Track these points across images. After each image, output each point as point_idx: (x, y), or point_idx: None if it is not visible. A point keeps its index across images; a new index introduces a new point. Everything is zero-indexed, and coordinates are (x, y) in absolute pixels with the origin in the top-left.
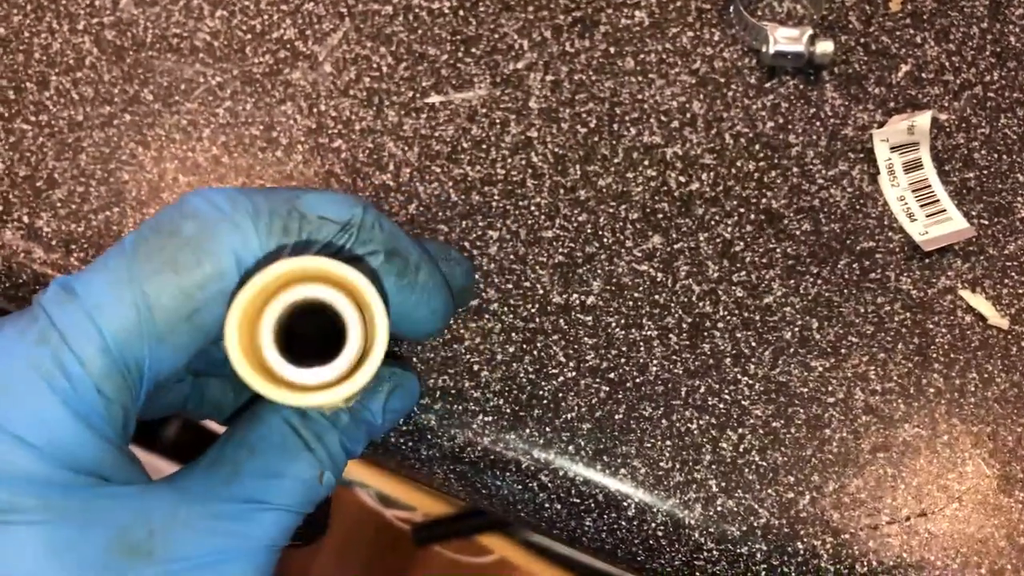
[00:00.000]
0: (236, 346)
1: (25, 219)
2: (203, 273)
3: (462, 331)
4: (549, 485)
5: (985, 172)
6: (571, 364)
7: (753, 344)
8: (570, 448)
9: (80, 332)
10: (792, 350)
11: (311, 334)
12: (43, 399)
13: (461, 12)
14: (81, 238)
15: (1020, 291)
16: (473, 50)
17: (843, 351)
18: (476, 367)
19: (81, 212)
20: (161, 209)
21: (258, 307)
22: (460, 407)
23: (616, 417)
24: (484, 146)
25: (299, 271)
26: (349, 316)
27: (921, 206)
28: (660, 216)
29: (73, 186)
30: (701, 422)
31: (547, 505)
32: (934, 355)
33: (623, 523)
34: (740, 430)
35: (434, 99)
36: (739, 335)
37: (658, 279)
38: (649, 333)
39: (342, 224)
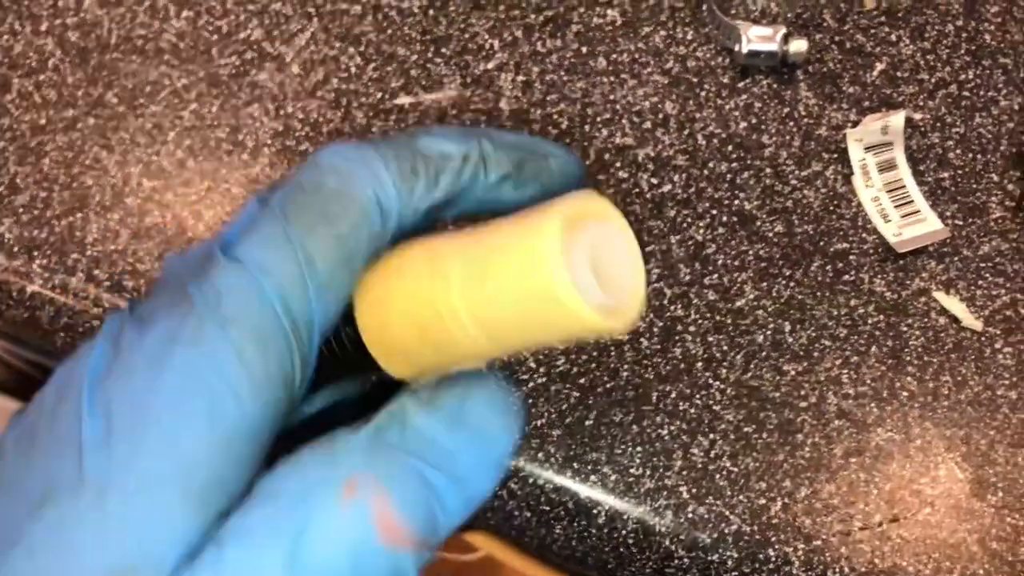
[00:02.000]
0: (562, 266)
1: None
2: (353, 220)
3: None
4: (518, 492)
5: (960, 172)
6: (541, 370)
7: (725, 348)
8: (540, 455)
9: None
10: (764, 354)
11: None
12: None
13: (431, 12)
14: (44, 244)
15: (994, 292)
16: (443, 50)
17: (816, 354)
18: None
19: (44, 218)
20: (296, 171)
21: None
22: None
23: (586, 423)
24: None
25: (581, 207)
26: (630, 248)
27: (895, 207)
28: (631, 219)
29: (36, 191)
30: (672, 428)
31: (516, 512)
32: (908, 358)
33: (593, 531)
34: (711, 436)
35: (403, 100)
36: (711, 339)
37: None
38: (620, 338)
39: (463, 157)
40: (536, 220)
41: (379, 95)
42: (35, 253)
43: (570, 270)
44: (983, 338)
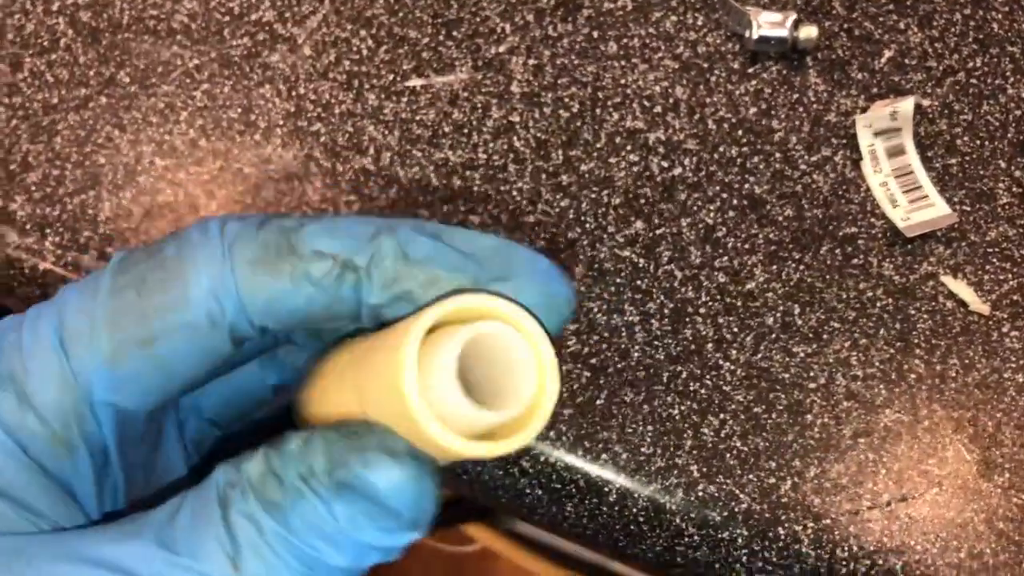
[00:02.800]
0: (416, 390)
1: None
2: (165, 298)
3: None
4: (530, 470)
5: (967, 159)
6: None
7: (735, 330)
8: (551, 433)
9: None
10: (774, 336)
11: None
12: None
13: None
14: (56, 222)
15: (1001, 277)
16: (454, 33)
17: (825, 337)
18: None
19: (56, 196)
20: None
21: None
22: None
23: (598, 403)
24: (465, 130)
25: (461, 311)
26: (524, 352)
27: (904, 192)
28: (642, 201)
29: (48, 169)
30: (683, 407)
31: (528, 491)
32: (916, 341)
33: (604, 508)
34: (721, 415)
35: (415, 82)
36: (721, 321)
37: (640, 265)
38: (631, 319)
39: (340, 261)
40: (401, 331)
41: (391, 77)
42: (47, 231)
43: (425, 390)
44: (990, 322)
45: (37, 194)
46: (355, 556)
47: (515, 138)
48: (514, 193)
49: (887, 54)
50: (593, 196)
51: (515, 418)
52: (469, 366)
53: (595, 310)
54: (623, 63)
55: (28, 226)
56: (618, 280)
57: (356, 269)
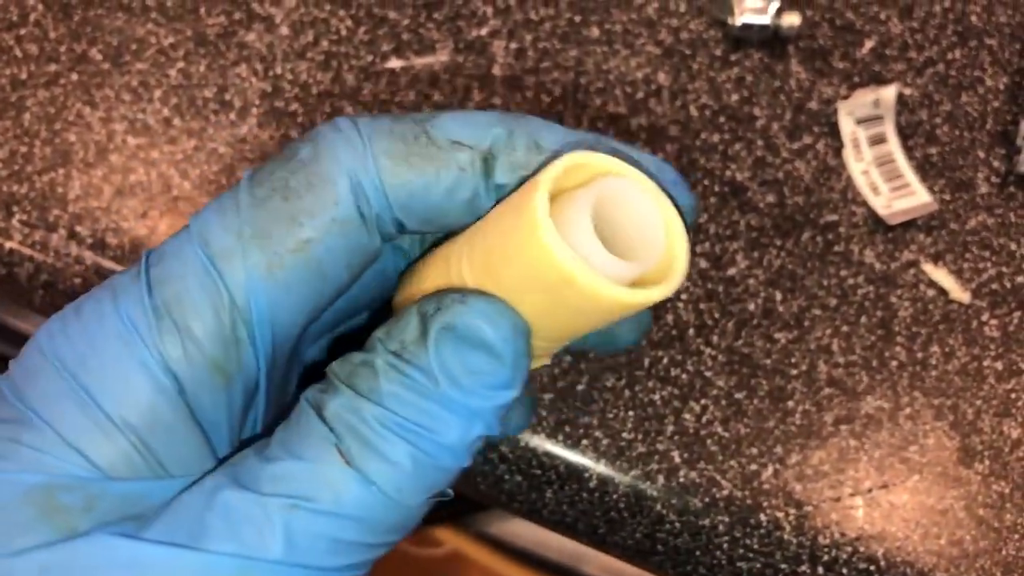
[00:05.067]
0: (555, 235)
1: None
2: (314, 198)
3: None
4: (509, 456)
5: (948, 148)
6: None
7: (716, 315)
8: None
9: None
10: (755, 322)
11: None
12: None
13: None
14: (24, 199)
15: (980, 266)
16: (435, 15)
17: (806, 323)
18: None
19: (24, 173)
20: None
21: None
22: None
23: (578, 388)
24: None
25: (581, 168)
26: (649, 208)
27: (885, 180)
28: None
29: (16, 146)
30: (664, 393)
31: (507, 477)
32: (897, 328)
33: (584, 495)
34: (703, 401)
35: (395, 64)
36: (702, 307)
37: None
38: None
39: (480, 150)
40: (526, 189)
41: (370, 58)
42: (14, 208)
43: (563, 242)
44: (970, 310)
45: (4, 172)
46: (462, 427)
47: None
48: None
49: (868, 44)
50: None
51: (650, 272)
52: (597, 226)
53: None
54: (605, 48)
55: None
56: None
57: (494, 158)
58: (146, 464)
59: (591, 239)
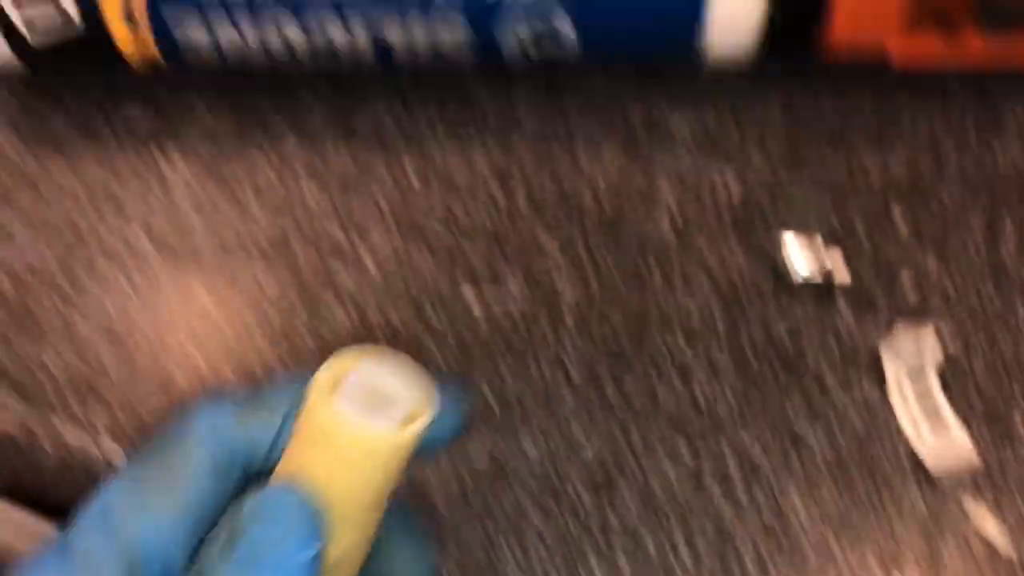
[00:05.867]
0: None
1: None
2: (185, 450)
3: None
4: None
5: (988, 395)
6: None
7: (775, 557)
8: None
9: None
10: (812, 563)
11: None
12: None
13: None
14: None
15: None
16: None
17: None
18: None
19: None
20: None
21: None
22: None
23: None
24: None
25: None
26: (398, 378)
27: (929, 424)
28: (687, 430)
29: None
30: None
31: None
32: None
33: None
34: None
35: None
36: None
37: (685, 487)
38: (682, 556)
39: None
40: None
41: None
42: None
43: (341, 405)
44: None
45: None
46: None
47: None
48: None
49: (906, 279)
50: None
51: (414, 413)
52: (366, 396)
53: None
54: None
55: None
56: (667, 508)
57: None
58: None
59: (353, 405)
